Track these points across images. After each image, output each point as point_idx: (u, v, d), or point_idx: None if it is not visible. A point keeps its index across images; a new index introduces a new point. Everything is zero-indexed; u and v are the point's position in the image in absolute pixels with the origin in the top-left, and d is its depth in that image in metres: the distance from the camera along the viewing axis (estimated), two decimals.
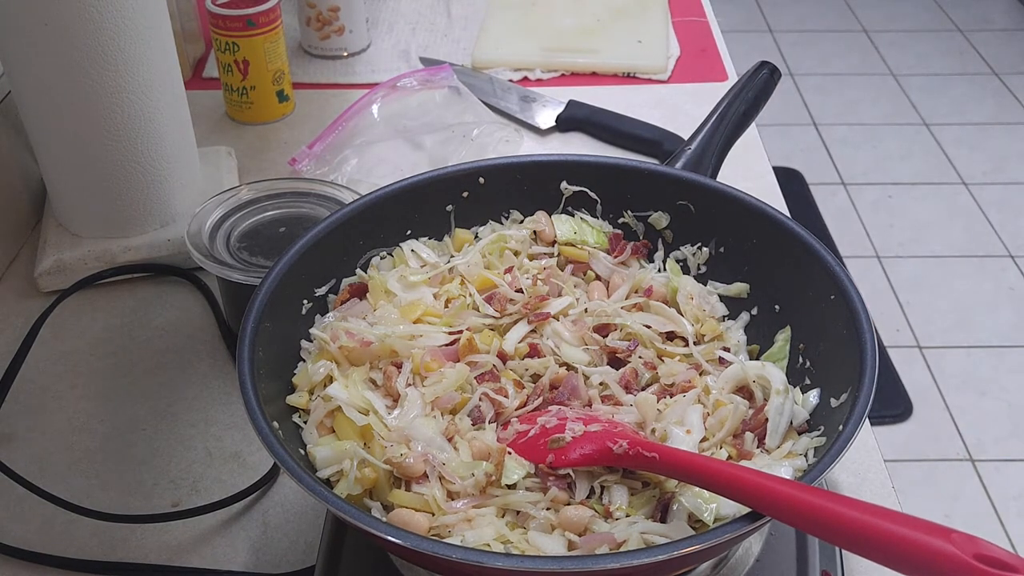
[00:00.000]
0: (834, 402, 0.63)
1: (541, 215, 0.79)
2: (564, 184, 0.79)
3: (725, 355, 0.70)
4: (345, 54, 1.34)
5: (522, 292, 0.73)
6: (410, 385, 0.67)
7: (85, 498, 0.76)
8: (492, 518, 0.59)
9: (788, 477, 0.58)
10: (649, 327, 0.72)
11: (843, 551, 0.70)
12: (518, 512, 0.60)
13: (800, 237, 0.69)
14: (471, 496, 0.60)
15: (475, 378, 0.68)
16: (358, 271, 0.75)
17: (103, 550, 0.73)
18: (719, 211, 0.75)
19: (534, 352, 0.70)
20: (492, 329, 0.71)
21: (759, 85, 0.86)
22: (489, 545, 0.57)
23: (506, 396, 0.67)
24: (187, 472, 0.79)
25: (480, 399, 0.66)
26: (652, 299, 0.74)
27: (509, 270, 0.75)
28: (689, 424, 0.64)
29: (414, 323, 0.71)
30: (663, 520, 0.58)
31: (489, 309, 0.72)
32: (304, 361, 0.70)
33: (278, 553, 0.73)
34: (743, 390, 0.67)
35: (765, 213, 0.72)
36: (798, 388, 0.67)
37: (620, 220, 0.79)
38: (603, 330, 0.73)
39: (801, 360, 0.69)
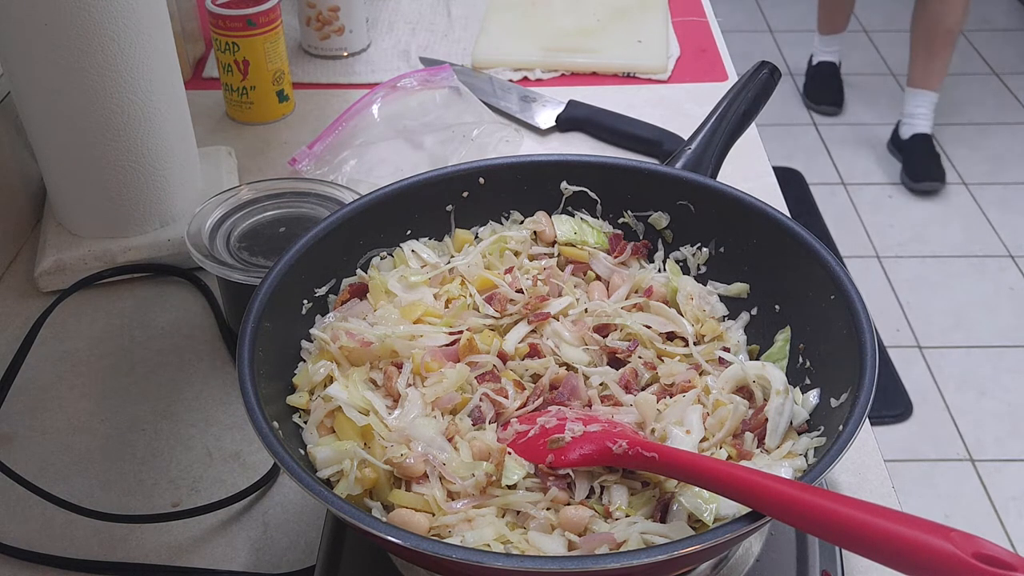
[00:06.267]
0: (834, 402, 0.63)
1: (541, 215, 0.79)
2: (564, 184, 0.79)
3: (725, 355, 0.70)
4: (345, 54, 1.34)
5: (522, 292, 0.73)
6: (410, 385, 0.67)
7: (85, 498, 0.76)
8: (492, 518, 0.59)
9: (788, 477, 0.58)
10: (649, 327, 0.72)
11: (843, 551, 0.70)
12: (518, 512, 0.60)
13: (800, 237, 0.69)
14: (471, 496, 0.60)
15: (475, 378, 0.68)
16: (358, 271, 0.75)
17: (103, 550, 0.73)
18: (719, 211, 0.75)
19: (534, 352, 0.70)
20: (492, 329, 0.71)
21: (759, 85, 0.86)
22: (489, 545, 0.57)
23: (506, 396, 0.67)
24: (187, 472, 0.79)
25: (480, 399, 0.66)
26: (652, 299, 0.74)
27: (509, 270, 0.75)
28: (689, 424, 0.64)
29: (414, 323, 0.71)
30: (663, 520, 0.58)
31: (489, 309, 0.72)
32: (304, 361, 0.70)
33: (278, 553, 0.73)
34: (743, 390, 0.67)
35: (765, 213, 0.72)
36: (798, 388, 0.67)
37: (620, 220, 0.79)
38: (603, 330, 0.73)
39: (801, 360, 0.69)
